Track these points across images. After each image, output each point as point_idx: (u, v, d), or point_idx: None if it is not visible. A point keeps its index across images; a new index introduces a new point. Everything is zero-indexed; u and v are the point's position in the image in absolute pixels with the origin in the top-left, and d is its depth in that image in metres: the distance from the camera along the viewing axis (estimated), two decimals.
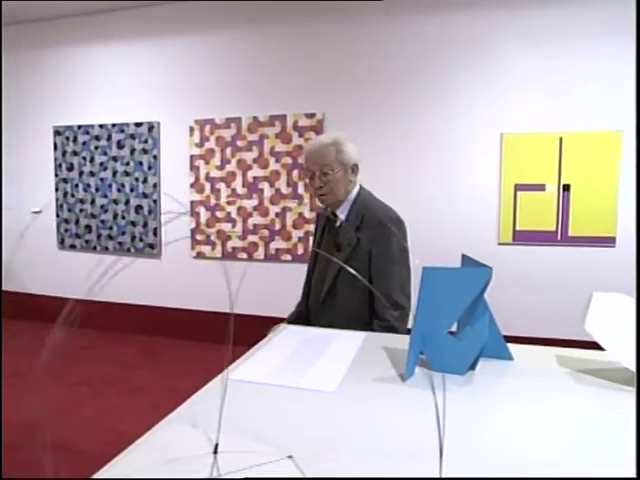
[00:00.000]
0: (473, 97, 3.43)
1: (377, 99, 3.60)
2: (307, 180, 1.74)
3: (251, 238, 3.92)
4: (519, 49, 3.30)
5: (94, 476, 0.63)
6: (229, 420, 0.72)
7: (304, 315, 1.81)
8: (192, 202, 4.08)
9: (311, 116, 3.70)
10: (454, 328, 1.12)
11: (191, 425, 0.78)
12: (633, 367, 0.94)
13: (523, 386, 0.99)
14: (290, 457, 0.69)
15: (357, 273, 1.30)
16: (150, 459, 0.68)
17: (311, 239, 3.78)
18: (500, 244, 3.45)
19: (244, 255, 3.93)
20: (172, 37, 4.07)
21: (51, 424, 2.53)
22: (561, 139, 3.30)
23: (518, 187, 3.40)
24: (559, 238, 3.35)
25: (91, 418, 2.74)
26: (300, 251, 3.79)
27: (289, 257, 3.83)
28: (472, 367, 1.05)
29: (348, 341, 1.27)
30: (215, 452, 0.68)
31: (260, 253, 3.89)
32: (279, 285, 3.56)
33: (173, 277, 4.20)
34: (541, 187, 3.37)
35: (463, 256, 1.16)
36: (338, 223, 1.71)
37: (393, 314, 1.61)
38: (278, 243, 3.85)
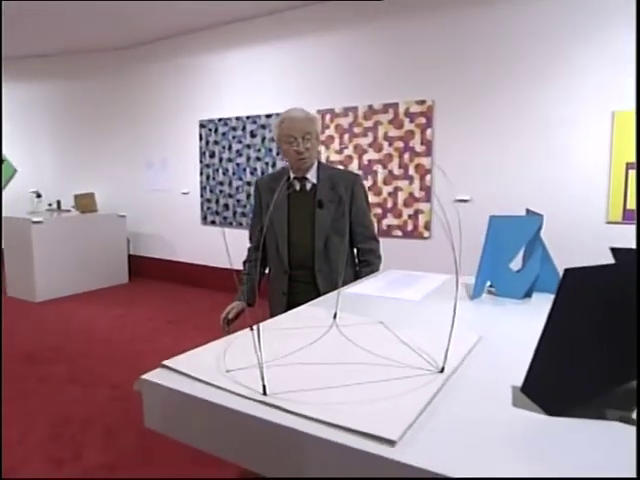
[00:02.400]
0: (584, 76, 3.49)
1: (484, 84, 3.79)
2: (284, 145, 1.84)
3: None
4: (630, 27, 3.30)
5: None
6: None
7: (280, 276, 1.92)
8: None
9: (421, 103, 4.01)
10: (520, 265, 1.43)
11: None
12: None
13: None
14: (381, 322, 1.10)
15: (345, 223, 1.85)
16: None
17: (421, 217, 4.11)
18: (609, 223, 3.49)
19: None
20: (296, 39, 4.62)
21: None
22: None
23: (630, 165, 3.41)
24: None
25: None
26: (410, 228, 4.14)
27: (400, 233, 4.19)
28: (528, 295, 1.36)
29: (430, 279, 1.65)
30: (334, 317, 1.11)
31: None
32: (392, 259, 3.92)
33: None
34: None
35: (527, 210, 1.47)
36: (310, 185, 1.89)
37: (373, 247, 1.94)
38: (389, 220, 4.23)
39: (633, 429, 0.64)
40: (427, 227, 4.06)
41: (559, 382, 0.68)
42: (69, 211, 5.89)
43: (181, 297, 5.32)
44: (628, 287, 0.65)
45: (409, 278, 1.65)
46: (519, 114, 3.70)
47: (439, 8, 3.92)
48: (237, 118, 5.05)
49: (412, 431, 0.63)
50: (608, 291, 0.66)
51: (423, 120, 4.00)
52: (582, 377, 0.67)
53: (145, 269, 6.18)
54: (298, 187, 1.91)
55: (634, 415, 0.68)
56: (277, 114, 4.75)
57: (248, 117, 4.98)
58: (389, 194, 4.22)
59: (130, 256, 6.12)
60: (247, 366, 0.84)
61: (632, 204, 3.43)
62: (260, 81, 4.89)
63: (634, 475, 0.50)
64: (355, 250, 1.97)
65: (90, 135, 6.24)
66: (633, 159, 3.39)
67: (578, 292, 0.67)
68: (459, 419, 0.67)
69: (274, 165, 4.84)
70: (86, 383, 3.03)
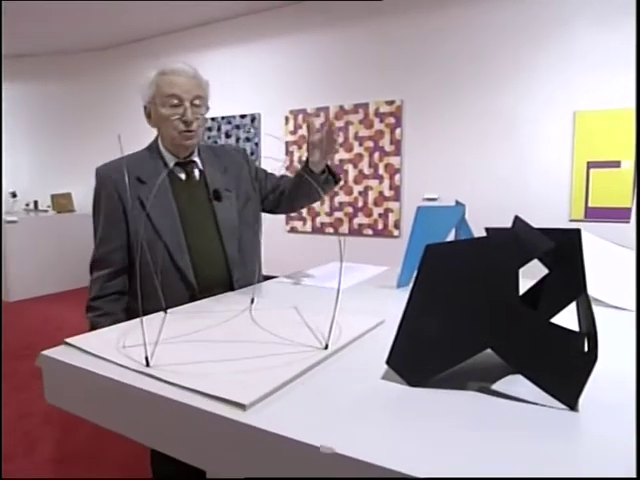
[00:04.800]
0: (546, 77, 3.55)
1: (451, 84, 3.85)
2: (162, 109, 1.33)
3: (337, 214, 4.38)
4: (592, 28, 3.37)
5: None
6: None
7: (183, 294, 1.32)
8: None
9: (391, 103, 4.05)
10: None
11: None
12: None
13: None
14: (295, 307, 1.13)
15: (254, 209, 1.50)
16: None
17: (390, 215, 4.15)
18: (571, 221, 3.56)
19: (330, 230, 4.41)
20: (270, 40, 4.65)
21: None
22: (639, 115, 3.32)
23: (591, 164, 3.47)
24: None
25: None
26: (380, 226, 4.18)
27: (370, 232, 4.23)
28: None
29: (366, 270, 1.69)
30: (252, 302, 1.14)
31: (345, 228, 4.34)
32: (362, 256, 3.97)
33: (270, 249, 4.80)
34: (616, 164, 3.42)
35: (456, 201, 1.51)
36: (198, 173, 1.44)
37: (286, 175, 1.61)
38: (360, 219, 4.27)
39: (490, 397, 0.68)
40: (397, 226, 4.11)
41: (419, 354, 0.72)
42: (46, 211, 5.87)
43: None
44: (485, 260, 0.69)
45: (347, 269, 1.68)
46: (485, 114, 3.76)
47: (407, 10, 3.97)
48: (212, 119, 5.07)
49: (272, 399, 0.67)
50: (466, 265, 0.70)
51: (392, 120, 4.05)
52: (440, 348, 0.71)
53: None
54: (183, 176, 1.42)
55: (493, 386, 0.72)
56: (251, 114, 4.79)
57: (223, 117, 5.00)
58: (359, 193, 4.26)
59: None
60: (146, 343, 0.87)
61: (593, 202, 3.49)
62: (234, 82, 4.92)
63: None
64: (277, 198, 1.57)
65: (68, 135, 6.23)
66: (594, 158, 3.46)
67: (437, 267, 0.71)
68: (324, 391, 0.70)
69: None
70: None
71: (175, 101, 1.32)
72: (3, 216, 5.24)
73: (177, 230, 1.34)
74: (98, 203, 1.38)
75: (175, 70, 1.34)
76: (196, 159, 1.44)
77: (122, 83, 5.84)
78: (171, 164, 1.41)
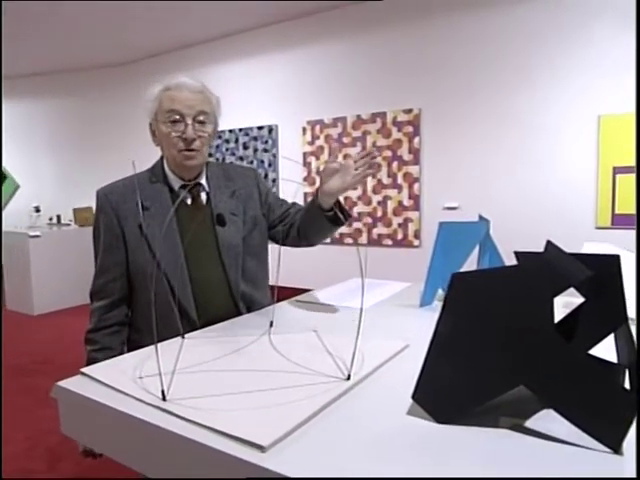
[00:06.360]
0: (568, 81, 3.48)
1: (469, 90, 3.79)
2: (163, 127, 1.24)
3: (356, 225, 4.34)
4: (614, 30, 3.29)
5: None
6: None
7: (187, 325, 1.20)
8: (305, 194, 4.61)
9: (408, 111, 4.01)
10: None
11: None
12: None
13: None
14: (315, 331, 1.10)
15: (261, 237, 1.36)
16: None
17: (410, 225, 4.09)
18: (598, 228, 3.46)
19: (350, 240, 4.37)
20: (286, 52, 4.66)
21: None
22: None
23: (617, 170, 3.38)
24: None
25: None
26: (400, 236, 4.12)
27: (390, 242, 4.18)
28: None
29: (389, 287, 1.65)
30: (270, 326, 1.11)
31: (364, 238, 4.30)
32: (382, 267, 3.93)
33: (287, 260, 4.78)
34: None
35: (480, 216, 1.47)
36: (205, 196, 1.34)
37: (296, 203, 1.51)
38: (379, 229, 4.23)
39: (524, 437, 0.64)
40: (417, 235, 4.05)
41: (447, 389, 0.68)
42: (69, 225, 5.96)
43: None
44: (515, 290, 0.64)
45: (368, 286, 1.64)
46: (504, 120, 3.69)
47: (423, 17, 3.94)
48: (230, 131, 5.09)
49: (292, 438, 0.64)
50: (496, 295, 0.66)
51: (410, 129, 4.01)
52: (470, 384, 0.66)
53: None
54: (189, 200, 1.31)
55: (527, 423, 0.67)
56: (269, 125, 4.79)
57: (240, 129, 5.02)
58: (378, 203, 4.22)
59: None
60: (162, 373, 0.84)
61: (620, 208, 3.39)
62: (251, 94, 4.93)
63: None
64: (287, 230, 1.42)
65: (88, 150, 6.33)
66: (620, 163, 3.36)
67: (466, 297, 0.67)
68: (347, 428, 0.67)
69: (266, 177, 4.86)
70: None
71: (176, 117, 1.22)
72: (26, 230, 5.33)
73: (178, 259, 1.23)
74: (98, 229, 1.30)
75: (179, 85, 1.25)
76: (203, 181, 1.33)
77: (137, 98, 5.90)
78: (176, 187, 1.30)
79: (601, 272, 0.63)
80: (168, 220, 1.22)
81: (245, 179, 1.41)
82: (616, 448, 0.58)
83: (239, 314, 1.30)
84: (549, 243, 0.72)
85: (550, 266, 0.65)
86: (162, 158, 1.34)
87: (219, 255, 1.29)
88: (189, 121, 1.22)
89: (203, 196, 1.33)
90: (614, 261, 0.64)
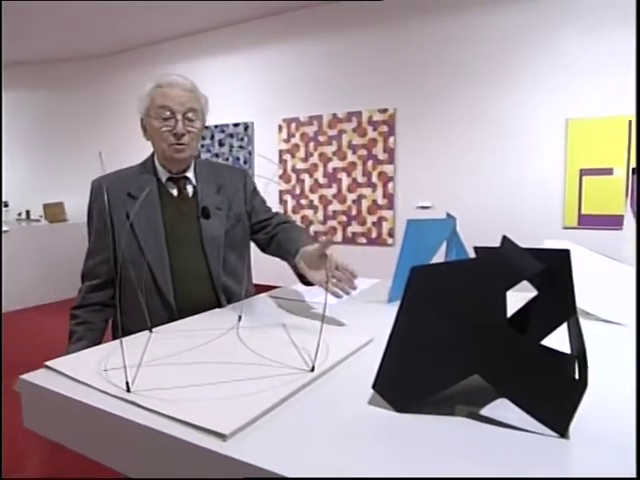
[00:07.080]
0: (538, 84, 3.57)
1: (445, 91, 3.86)
2: (154, 122, 1.31)
3: (330, 223, 4.37)
4: (582, 35, 3.39)
5: None
6: None
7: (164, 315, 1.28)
8: (280, 191, 4.62)
9: (384, 111, 4.06)
10: None
11: None
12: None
13: None
14: (283, 324, 1.11)
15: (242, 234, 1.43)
16: None
17: (384, 224, 4.13)
18: (565, 228, 3.56)
19: (324, 238, 4.39)
20: (262, 50, 4.66)
21: None
22: (630, 122, 3.33)
23: (584, 172, 3.48)
24: None
25: None
26: (374, 235, 4.16)
27: (364, 240, 4.22)
28: None
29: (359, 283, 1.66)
30: (239, 320, 1.12)
31: (338, 236, 4.33)
32: (355, 266, 3.96)
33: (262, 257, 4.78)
34: (608, 171, 3.43)
35: (447, 214, 1.50)
36: (191, 189, 1.40)
37: (279, 213, 1.57)
38: (354, 227, 4.26)
39: (478, 424, 0.66)
40: (391, 234, 4.10)
41: (405, 379, 0.70)
42: (38, 221, 5.83)
43: None
44: (471, 283, 0.67)
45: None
46: (478, 121, 3.77)
47: (399, 19, 3.98)
48: (206, 127, 5.05)
49: (254, 427, 0.65)
50: (453, 288, 0.68)
51: (385, 128, 4.05)
52: (426, 374, 0.69)
53: None
54: (175, 191, 1.39)
55: (482, 411, 0.70)
56: (244, 123, 4.77)
57: (216, 126, 4.99)
58: (353, 201, 4.25)
59: None
60: (128, 365, 0.84)
61: (587, 209, 3.50)
62: (228, 90, 4.91)
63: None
64: (268, 240, 1.49)
65: (60, 145, 6.20)
66: (587, 165, 3.46)
67: (424, 289, 0.69)
68: (309, 418, 0.68)
69: None
70: None
71: (167, 113, 1.30)
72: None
73: (161, 247, 1.31)
74: (91, 214, 1.40)
75: (171, 82, 1.33)
76: (190, 175, 1.40)
77: (114, 92, 5.83)
78: (164, 179, 1.38)
79: (553, 266, 0.66)
80: (138, 203, 1.29)
81: (233, 178, 1.48)
82: (563, 433, 0.61)
83: (220, 306, 1.35)
84: (505, 238, 0.74)
85: (505, 260, 0.67)
86: (153, 153, 1.42)
87: (202, 247, 1.36)
88: (179, 117, 1.30)
89: (189, 189, 1.40)
90: (565, 256, 0.67)
